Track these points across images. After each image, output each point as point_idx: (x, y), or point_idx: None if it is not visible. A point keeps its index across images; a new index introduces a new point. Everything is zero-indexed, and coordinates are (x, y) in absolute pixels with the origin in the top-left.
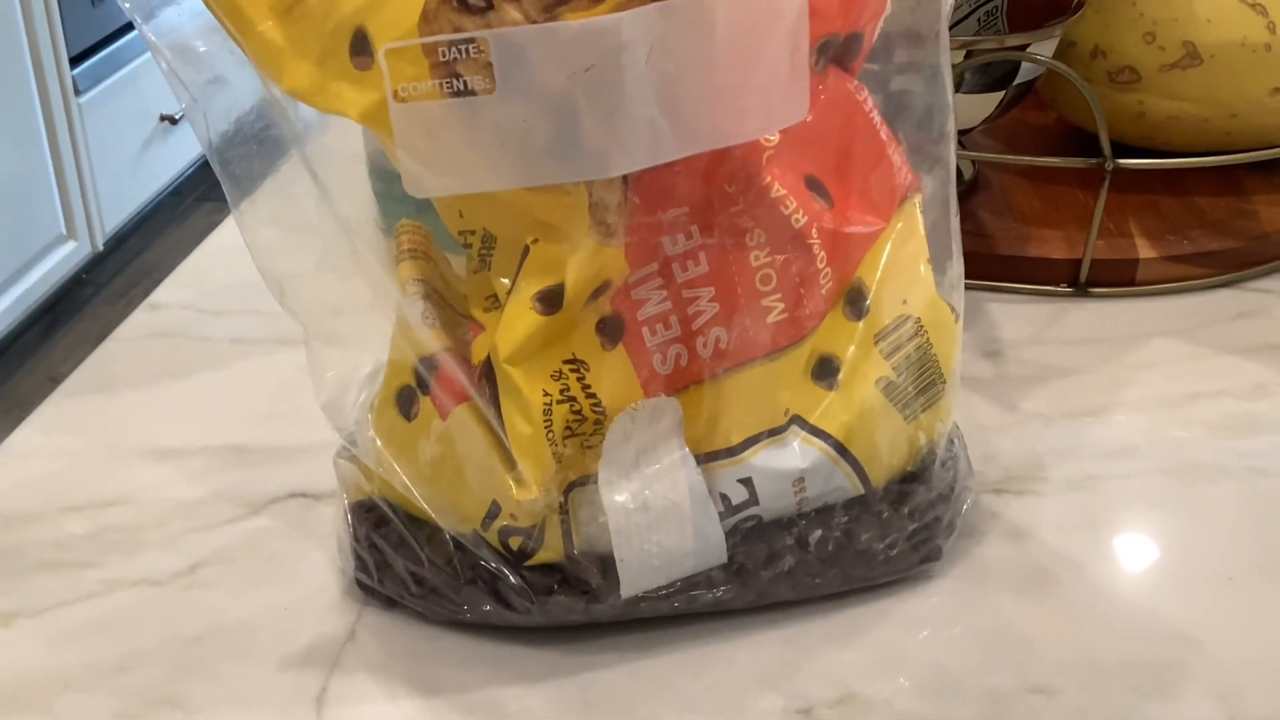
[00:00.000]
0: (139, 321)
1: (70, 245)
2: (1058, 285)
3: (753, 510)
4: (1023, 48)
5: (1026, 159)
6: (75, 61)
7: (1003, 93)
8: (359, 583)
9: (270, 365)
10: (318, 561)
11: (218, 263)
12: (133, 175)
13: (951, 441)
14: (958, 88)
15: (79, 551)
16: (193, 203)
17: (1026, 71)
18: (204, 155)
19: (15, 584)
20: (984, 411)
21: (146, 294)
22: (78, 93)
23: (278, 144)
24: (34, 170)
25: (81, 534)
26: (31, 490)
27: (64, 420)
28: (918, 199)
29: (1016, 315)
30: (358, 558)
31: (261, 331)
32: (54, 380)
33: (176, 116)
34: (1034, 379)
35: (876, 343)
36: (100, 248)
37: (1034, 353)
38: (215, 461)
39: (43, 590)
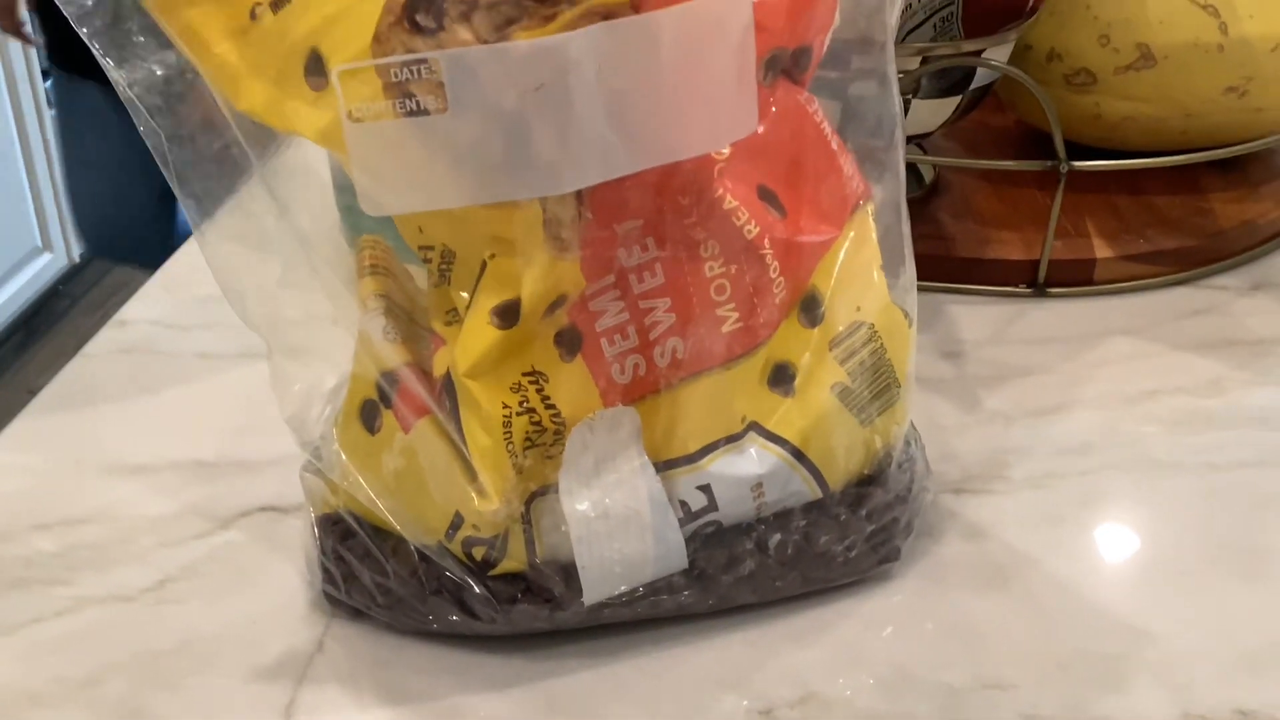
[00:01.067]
0: (107, 338)
1: (46, 257)
2: (1017, 286)
3: (712, 516)
4: (978, 53)
5: (982, 162)
6: (47, 74)
7: (959, 97)
8: (326, 595)
9: (238, 380)
10: (286, 574)
11: (184, 278)
12: None
13: (908, 444)
14: (915, 93)
15: (49, 569)
16: None
17: (983, 76)
18: None
19: None
20: (944, 412)
21: (123, 305)
22: (51, 105)
23: (236, 163)
24: (9, 183)
25: (51, 551)
26: (1, 508)
27: (33, 438)
28: (870, 207)
29: (976, 316)
30: (325, 570)
31: (228, 346)
32: (31, 393)
33: None
34: (994, 379)
35: (831, 349)
36: (76, 260)
37: (993, 353)
38: (183, 476)
39: (13, 608)
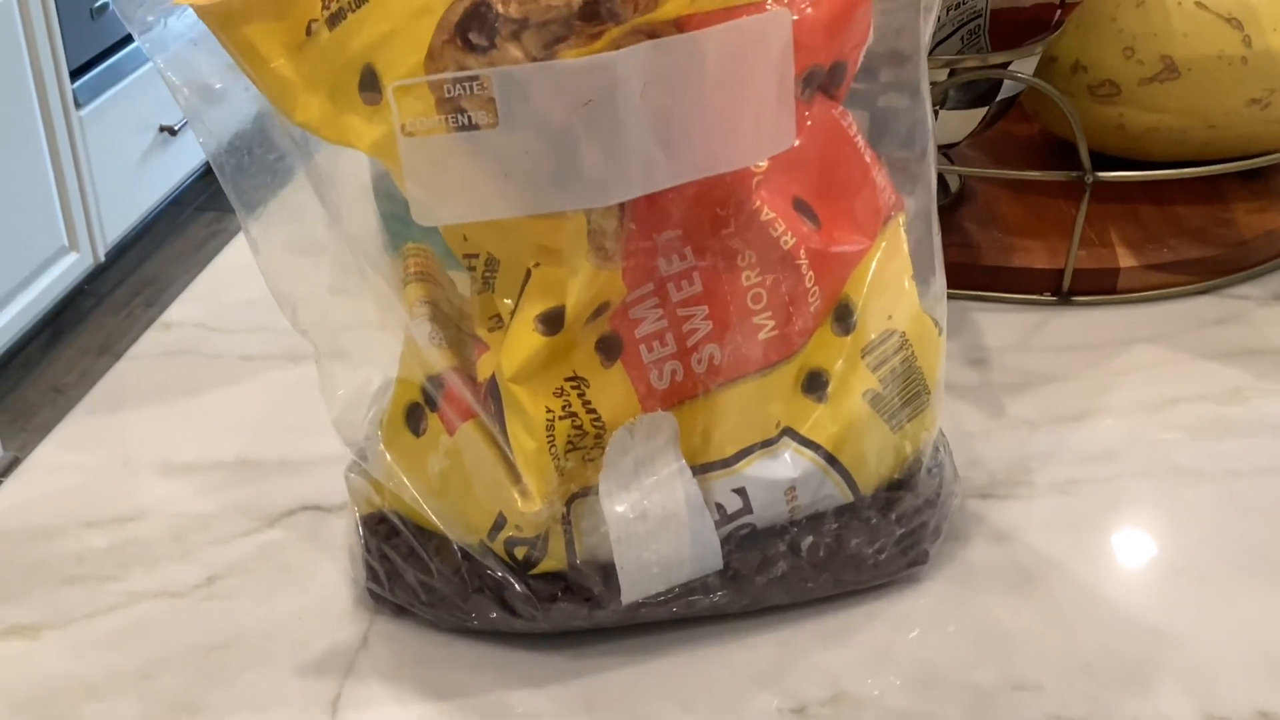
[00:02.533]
0: (152, 340)
1: (72, 257)
2: (1041, 294)
3: (747, 519)
4: (1004, 65)
5: (1009, 173)
6: (75, 75)
7: (986, 109)
8: (370, 592)
9: (281, 381)
10: (330, 572)
11: (227, 280)
12: (133, 186)
13: (937, 449)
14: (943, 104)
15: (101, 565)
16: (193, 212)
17: (1009, 88)
18: (203, 165)
19: (41, 597)
20: (970, 418)
21: (148, 304)
22: (78, 105)
23: (290, 173)
24: (35, 183)
25: (103, 548)
26: (54, 506)
27: (83, 438)
28: (901, 218)
29: (1002, 324)
30: (369, 568)
31: (272, 348)
32: (57, 391)
33: (176, 127)
34: (1018, 386)
35: (863, 357)
36: (102, 259)
37: (1018, 360)
38: (229, 476)
39: (67, 603)
